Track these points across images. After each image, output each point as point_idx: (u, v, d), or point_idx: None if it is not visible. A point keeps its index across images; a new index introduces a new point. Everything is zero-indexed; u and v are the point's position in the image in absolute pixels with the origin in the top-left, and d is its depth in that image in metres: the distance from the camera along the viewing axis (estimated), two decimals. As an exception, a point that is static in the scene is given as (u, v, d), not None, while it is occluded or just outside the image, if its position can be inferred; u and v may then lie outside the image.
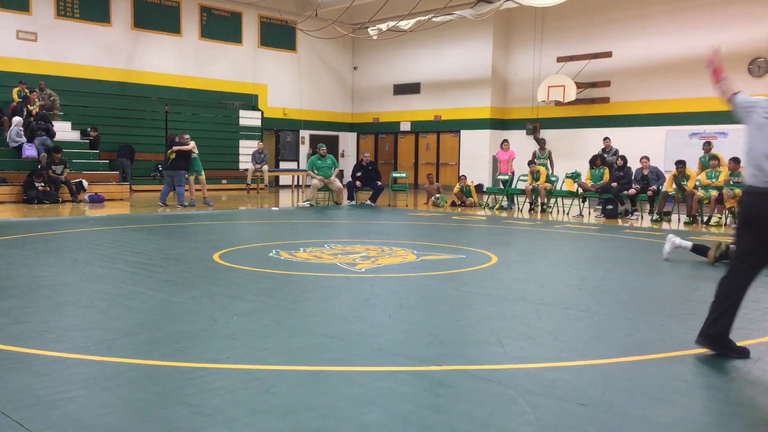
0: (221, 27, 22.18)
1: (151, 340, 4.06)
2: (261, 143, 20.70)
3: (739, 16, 16.54)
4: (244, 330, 4.33)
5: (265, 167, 20.14)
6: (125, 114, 19.85)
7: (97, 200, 15.07)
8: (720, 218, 12.04)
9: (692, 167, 13.01)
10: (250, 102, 22.73)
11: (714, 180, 12.31)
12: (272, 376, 3.45)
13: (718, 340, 3.88)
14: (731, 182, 12.00)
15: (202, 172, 15.00)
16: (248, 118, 22.31)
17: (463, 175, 16.93)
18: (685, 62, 17.52)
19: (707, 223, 12.02)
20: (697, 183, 12.41)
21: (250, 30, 22.87)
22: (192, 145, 14.48)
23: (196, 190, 14.96)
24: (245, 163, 21.11)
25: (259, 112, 22.64)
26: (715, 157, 12.78)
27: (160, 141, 19.29)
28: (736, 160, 12.14)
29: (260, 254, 7.68)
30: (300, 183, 20.58)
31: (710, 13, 17.03)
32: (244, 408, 2.98)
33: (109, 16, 19.81)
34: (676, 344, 4.16)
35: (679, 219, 12.75)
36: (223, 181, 20.84)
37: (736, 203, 11.88)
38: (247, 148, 21.52)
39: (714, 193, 11.98)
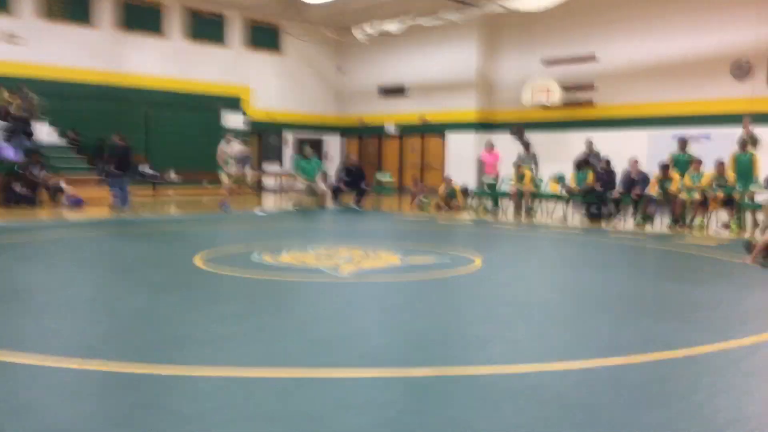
0: (206, 28, 22.05)
1: (130, 346, 4.00)
2: (245, 145, 20.56)
3: (722, 20, 16.68)
4: (226, 335, 4.28)
5: (249, 169, 20.01)
6: (107, 116, 19.65)
7: (76, 203, 14.91)
8: (703, 221, 12.12)
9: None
10: (235, 104, 22.62)
11: (697, 183, 12.39)
12: (254, 381, 3.40)
13: None
14: (715, 186, 12.08)
15: None
16: (232, 120, 22.18)
17: (448, 178, 16.95)
18: (668, 65, 17.64)
19: (690, 225, 12.09)
20: (681, 186, 12.48)
21: (235, 31, 22.77)
22: None
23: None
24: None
25: (244, 114, 22.52)
26: (698, 160, 12.87)
27: (141, 143, 19.12)
28: (721, 164, 12.24)
29: (243, 258, 7.63)
30: (285, 186, 20.50)
31: (693, 17, 17.17)
32: (225, 414, 2.94)
33: (92, 17, 19.64)
34: (660, 346, 4.16)
35: (662, 221, 12.82)
36: (205, 183, 20.68)
37: (720, 206, 11.97)
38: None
39: (697, 195, 12.06)
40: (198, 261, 7.23)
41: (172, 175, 19.97)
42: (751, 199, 12.09)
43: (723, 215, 12.25)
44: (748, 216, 12.02)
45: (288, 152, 24.39)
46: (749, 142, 13.72)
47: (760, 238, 8.17)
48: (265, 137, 24.04)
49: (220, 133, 21.80)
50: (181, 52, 21.46)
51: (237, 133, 21.84)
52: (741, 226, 11.75)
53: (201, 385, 3.32)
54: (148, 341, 4.09)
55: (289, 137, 24.49)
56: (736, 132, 15.17)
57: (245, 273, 6.63)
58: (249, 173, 19.95)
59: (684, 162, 13.18)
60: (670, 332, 4.52)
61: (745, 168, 12.54)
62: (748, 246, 8.05)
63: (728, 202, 11.89)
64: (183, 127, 20.93)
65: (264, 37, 23.38)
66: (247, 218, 12.90)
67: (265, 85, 23.40)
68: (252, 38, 23.13)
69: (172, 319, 4.68)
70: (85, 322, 4.59)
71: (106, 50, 19.92)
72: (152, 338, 4.17)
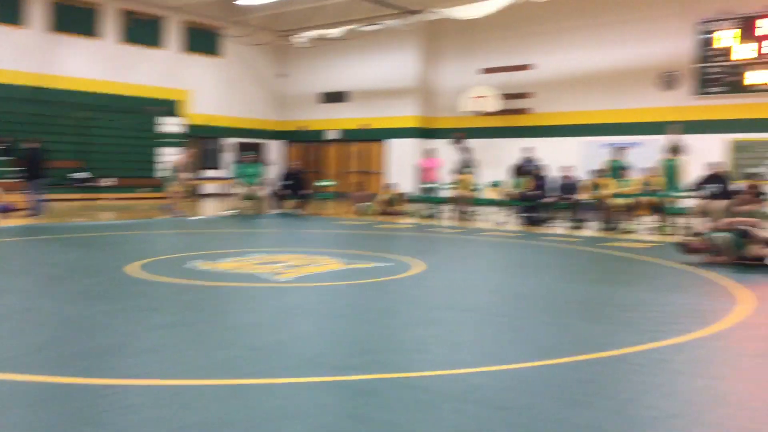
0: (142, 31, 21.55)
1: (62, 357, 3.88)
2: (183, 151, 20.20)
3: (651, 32, 17.35)
4: (161, 344, 4.20)
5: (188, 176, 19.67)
6: (40, 120, 18.98)
7: (4, 210, 14.31)
8: (632, 226, 12.53)
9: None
10: (173, 108, 22.18)
11: (627, 188, 12.82)
12: (191, 391, 3.35)
13: None
14: (645, 191, 12.53)
15: None
16: (170, 125, 21.75)
17: (390, 183, 17.05)
18: (599, 75, 18.23)
19: (620, 229, 12.49)
20: (612, 192, 12.89)
21: (174, 34, 22.34)
22: None
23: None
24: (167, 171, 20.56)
25: (183, 119, 22.11)
26: (628, 167, 13.37)
27: (74, 148, 18.54)
28: (649, 170, 12.74)
29: (179, 265, 7.49)
30: (225, 192, 20.22)
31: (621, 30, 17.79)
32: (160, 425, 2.89)
33: (22, 18, 18.95)
34: (592, 347, 4.29)
35: (595, 226, 13.19)
36: (142, 189, 20.21)
37: (647, 211, 12.42)
38: (169, 156, 20.95)
39: (627, 201, 12.48)
40: (132, 269, 7.05)
41: (107, 181, 19.44)
42: (677, 204, 12.59)
43: (651, 220, 12.71)
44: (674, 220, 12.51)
45: (228, 158, 24.06)
46: (675, 149, 14.31)
47: (696, 237, 8.58)
48: (204, 143, 23.65)
49: (156, 138, 21.39)
50: (117, 55, 20.91)
51: (175, 138, 21.48)
52: (668, 230, 12.22)
53: (134, 397, 3.25)
54: (79, 352, 3.98)
55: (231, 142, 24.16)
56: (662, 140, 15.75)
57: (181, 280, 6.51)
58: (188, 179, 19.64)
59: (616, 169, 13.66)
60: (601, 333, 4.67)
61: (671, 174, 13.09)
62: (684, 248, 8.44)
63: (656, 207, 12.35)
64: (119, 131, 20.40)
65: (203, 40, 23.01)
66: (184, 225, 12.66)
67: (203, 89, 23.03)
68: (190, 41, 22.73)
69: (104, 329, 4.56)
70: (13, 333, 4.43)
71: (38, 52, 19.25)
72: (83, 348, 4.05)
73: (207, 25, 22.49)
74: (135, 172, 20.35)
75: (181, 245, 9.77)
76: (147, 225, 12.46)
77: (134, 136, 20.87)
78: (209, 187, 22.75)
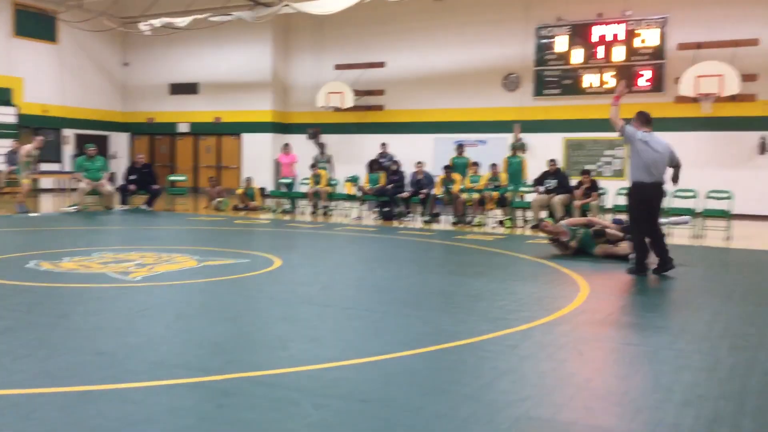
0: (-34, 11, 19.55)
1: None
2: (16, 142, 18.62)
3: (496, 35, 18.26)
4: (-3, 352, 3.85)
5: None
6: None
7: None
8: (482, 219, 13.16)
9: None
10: (3, 97, 20.31)
11: (476, 184, 13.44)
12: (32, 400, 3.10)
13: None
14: (492, 186, 13.20)
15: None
16: (1, 114, 19.91)
17: (248, 177, 16.73)
18: (448, 75, 18.92)
19: (471, 223, 13.08)
20: (462, 187, 13.47)
21: (3, 17, 20.43)
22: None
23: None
24: (-3, 164, 18.84)
25: (14, 108, 20.31)
26: (476, 163, 14.03)
27: None
28: (494, 167, 13.45)
29: (16, 265, 6.89)
30: (65, 186, 18.85)
31: (471, 32, 18.58)
32: (-4, 440, 2.64)
33: None
34: (447, 336, 4.45)
35: (447, 220, 13.72)
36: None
37: (495, 205, 13.11)
38: (0, 147, 19.21)
39: (476, 195, 13.09)
40: (-41, 271, 6.40)
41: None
42: (521, 198, 13.38)
43: (498, 213, 13.41)
44: (518, 213, 13.30)
45: (68, 151, 22.43)
46: (519, 147, 15.19)
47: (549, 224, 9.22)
48: (40, 134, 21.88)
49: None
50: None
51: (7, 129, 19.71)
52: (513, 222, 12.96)
53: (-35, 411, 2.95)
54: None
55: (71, 134, 22.54)
56: (508, 138, 16.67)
57: (20, 282, 6.00)
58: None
59: (462, 165, 14.30)
60: (455, 323, 4.86)
61: (515, 170, 13.90)
62: (540, 228, 9.17)
63: (502, 202, 13.06)
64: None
65: (35, 25, 21.23)
66: (23, 222, 11.66)
67: (38, 77, 21.26)
68: (23, 25, 20.92)
69: (-73, 339, 4.10)
70: None
71: None
72: None
73: (40, 8, 20.79)
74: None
75: (18, 244, 8.98)
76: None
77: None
78: (47, 182, 21.08)
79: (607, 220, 10.00)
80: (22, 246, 8.66)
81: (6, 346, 3.97)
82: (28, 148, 13.75)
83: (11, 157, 18.00)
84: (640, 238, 7.20)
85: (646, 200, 7.15)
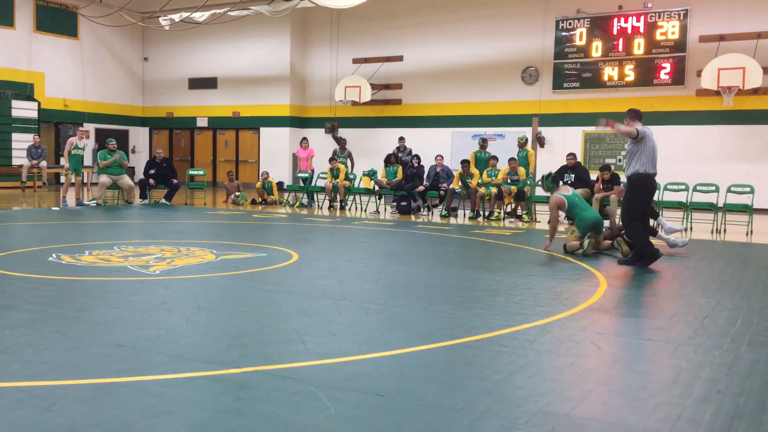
0: (-10, 9, 19.78)
1: None
2: (37, 137, 18.85)
3: (515, 28, 18.15)
4: (19, 343, 3.90)
5: (44, 163, 18.40)
6: None
7: None
8: (500, 213, 13.11)
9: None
10: (25, 91, 20.55)
11: (493, 178, 13.38)
12: (52, 392, 3.14)
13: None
14: (509, 180, 13.13)
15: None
16: (23, 109, 20.14)
17: (265, 172, 16.80)
18: (467, 69, 18.84)
19: (489, 217, 13.04)
20: (480, 181, 13.41)
21: (24, 13, 20.67)
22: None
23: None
24: (19, 158, 19.08)
25: (36, 103, 20.54)
26: (495, 157, 13.93)
27: None
28: (512, 160, 13.33)
29: (38, 259, 6.99)
30: (86, 181, 19.04)
31: (489, 25, 18.48)
32: (19, 430, 2.68)
33: None
34: (463, 331, 4.45)
35: (465, 214, 13.69)
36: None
37: (513, 199, 13.03)
38: (22, 142, 19.44)
39: (494, 190, 13.03)
40: (-17, 264, 6.51)
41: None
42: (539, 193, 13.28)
43: (517, 208, 13.33)
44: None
45: (89, 145, 22.65)
46: (538, 141, 15.03)
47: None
48: (62, 128, 22.15)
49: (10, 122, 19.77)
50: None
51: (29, 124, 19.95)
52: (531, 217, 12.89)
53: (-11, 402, 3.00)
54: None
55: (91, 129, 22.76)
56: (527, 132, 16.54)
57: (41, 275, 6.08)
58: (44, 167, 18.35)
59: (483, 160, 14.19)
60: (472, 317, 4.85)
61: (522, 164, 13.68)
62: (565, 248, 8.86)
63: (519, 196, 12.98)
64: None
65: (56, 20, 21.45)
66: (44, 216, 11.81)
67: (60, 72, 21.51)
68: (44, 21, 21.14)
69: (-48, 331, 4.17)
70: None
71: None
72: (-73, 353, 3.68)
73: (61, 3, 20.97)
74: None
75: (40, 238, 9.10)
76: (3, 216, 11.51)
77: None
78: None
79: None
80: (44, 239, 8.77)
81: (27, 338, 4.03)
82: (72, 140, 13.90)
83: (33, 151, 18.22)
84: (642, 228, 7.48)
85: (652, 191, 7.76)
